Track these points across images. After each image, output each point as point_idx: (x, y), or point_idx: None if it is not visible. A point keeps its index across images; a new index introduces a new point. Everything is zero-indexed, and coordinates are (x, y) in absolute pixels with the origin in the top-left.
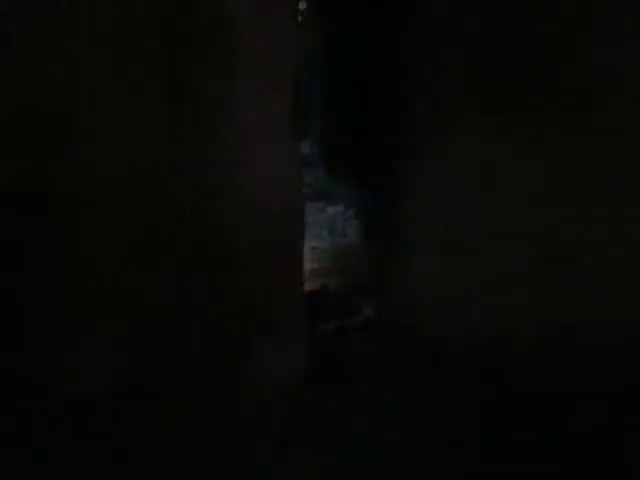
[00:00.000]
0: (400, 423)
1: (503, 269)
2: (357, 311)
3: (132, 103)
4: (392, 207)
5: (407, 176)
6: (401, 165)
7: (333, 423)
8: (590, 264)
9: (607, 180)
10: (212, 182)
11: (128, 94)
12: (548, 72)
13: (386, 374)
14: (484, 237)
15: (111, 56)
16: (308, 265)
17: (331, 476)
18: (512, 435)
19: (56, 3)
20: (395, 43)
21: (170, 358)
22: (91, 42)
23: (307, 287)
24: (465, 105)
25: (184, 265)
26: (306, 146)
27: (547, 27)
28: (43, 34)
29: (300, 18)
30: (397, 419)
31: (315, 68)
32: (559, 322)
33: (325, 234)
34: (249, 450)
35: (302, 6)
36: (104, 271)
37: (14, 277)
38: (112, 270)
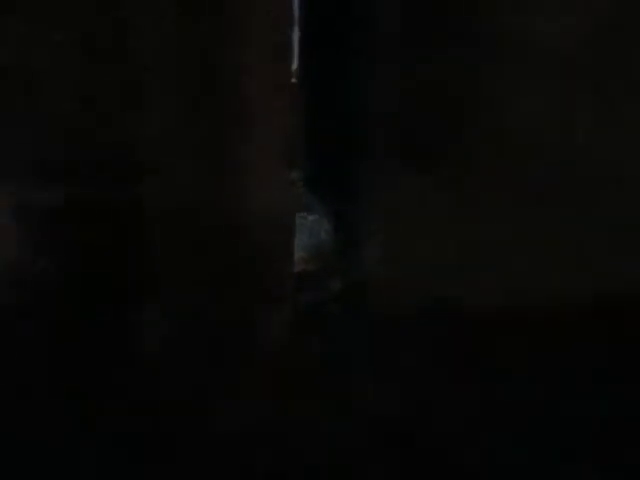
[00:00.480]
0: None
1: (428, 260)
2: (328, 287)
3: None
4: (353, 216)
5: (363, 196)
6: (360, 189)
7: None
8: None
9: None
10: (236, 200)
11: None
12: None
13: (348, 327)
14: (421, 234)
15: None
16: (295, 255)
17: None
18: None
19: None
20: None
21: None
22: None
23: (295, 270)
24: (400, 155)
25: (210, 254)
26: (294, 173)
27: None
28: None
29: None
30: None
31: (301, 123)
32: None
33: (306, 234)
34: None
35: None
36: (159, 260)
37: (102, 268)
38: (167, 261)
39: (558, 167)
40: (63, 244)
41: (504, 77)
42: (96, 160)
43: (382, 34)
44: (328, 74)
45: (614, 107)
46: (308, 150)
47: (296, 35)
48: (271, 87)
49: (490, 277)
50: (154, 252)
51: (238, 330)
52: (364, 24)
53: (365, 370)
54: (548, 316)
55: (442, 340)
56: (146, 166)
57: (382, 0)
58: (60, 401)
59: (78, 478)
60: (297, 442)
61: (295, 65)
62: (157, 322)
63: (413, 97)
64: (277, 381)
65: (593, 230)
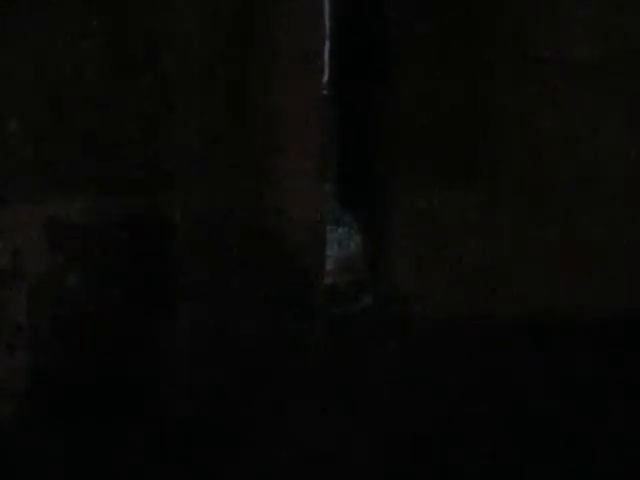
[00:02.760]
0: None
1: (456, 271)
2: (358, 300)
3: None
4: (381, 228)
5: (393, 209)
6: (387, 202)
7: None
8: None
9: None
10: (267, 212)
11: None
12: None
13: (378, 339)
14: (450, 247)
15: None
16: (326, 267)
17: None
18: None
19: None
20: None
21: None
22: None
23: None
24: (426, 166)
25: (241, 266)
26: (326, 185)
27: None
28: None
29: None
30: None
31: (332, 137)
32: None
33: (336, 246)
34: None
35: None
36: (188, 274)
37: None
38: (196, 274)
39: (588, 183)
40: (92, 257)
41: (533, 92)
42: (125, 173)
43: (410, 45)
44: (359, 86)
45: None
46: (339, 162)
47: (327, 47)
48: (302, 99)
49: (520, 290)
50: (183, 265)
51: (269, 342)
52: (392, 31)
53: (395, 382)
54: (578, 329)
55: (472, 352)
56: (175, 179)
57: (409, 11)
58: (90, 413)
59: None
60: (333, 456)
61: (326, 77)
62: (186, 335)
63: (441, 111)
64: (309, 393)
65: (626, 246)
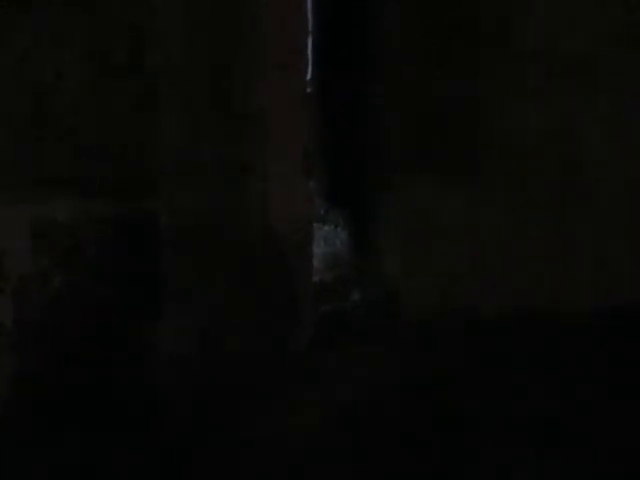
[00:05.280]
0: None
1: (445, 268)
2: (346, 297)
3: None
4: (369, 226)
5: (378, 206)
6: (374, 199)
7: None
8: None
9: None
10: (253, 211)
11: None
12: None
13: (368, 338)
14: (437, 243)
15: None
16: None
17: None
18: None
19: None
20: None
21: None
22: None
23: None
24: (417, 165)
25: (228, 265)
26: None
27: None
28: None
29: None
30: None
31: (317, 135)
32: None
33: (323, 244)
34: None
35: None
36: (176, 274)
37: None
38: (183, 274)
39: (574, 177)
40: (78, 258)
41: (517, 90)
42: (109, 174)
43: (396, 47)
44: (343, 84)
45: (630, 120)
46: (325, 160)
47: (310, 45)
48: (286, 98)
49: (507, 285)
50: (170, 266)
51: (257, 339)
52: (379, 37)
53: (384, 376)
54: (562, 322)
55: (459, 346)
56: (160, 180)
57: (395, 15)
58: (75, 412)
59: None
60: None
61: (310, 75)
62: (173, 336)
63: (432, 109)
64: (296, 389)
65: (609, 238)
